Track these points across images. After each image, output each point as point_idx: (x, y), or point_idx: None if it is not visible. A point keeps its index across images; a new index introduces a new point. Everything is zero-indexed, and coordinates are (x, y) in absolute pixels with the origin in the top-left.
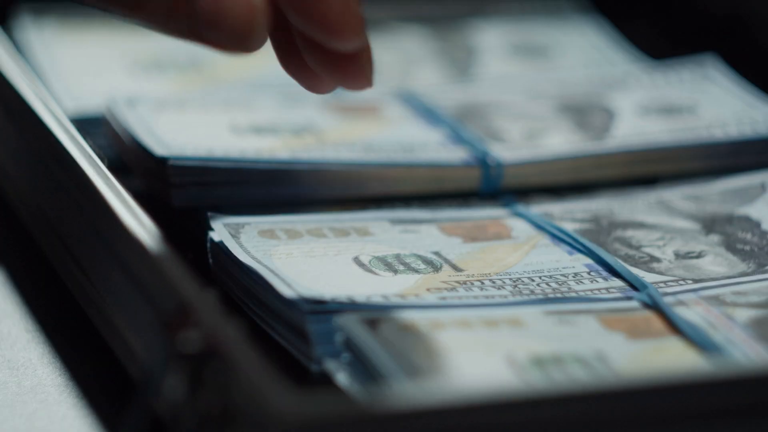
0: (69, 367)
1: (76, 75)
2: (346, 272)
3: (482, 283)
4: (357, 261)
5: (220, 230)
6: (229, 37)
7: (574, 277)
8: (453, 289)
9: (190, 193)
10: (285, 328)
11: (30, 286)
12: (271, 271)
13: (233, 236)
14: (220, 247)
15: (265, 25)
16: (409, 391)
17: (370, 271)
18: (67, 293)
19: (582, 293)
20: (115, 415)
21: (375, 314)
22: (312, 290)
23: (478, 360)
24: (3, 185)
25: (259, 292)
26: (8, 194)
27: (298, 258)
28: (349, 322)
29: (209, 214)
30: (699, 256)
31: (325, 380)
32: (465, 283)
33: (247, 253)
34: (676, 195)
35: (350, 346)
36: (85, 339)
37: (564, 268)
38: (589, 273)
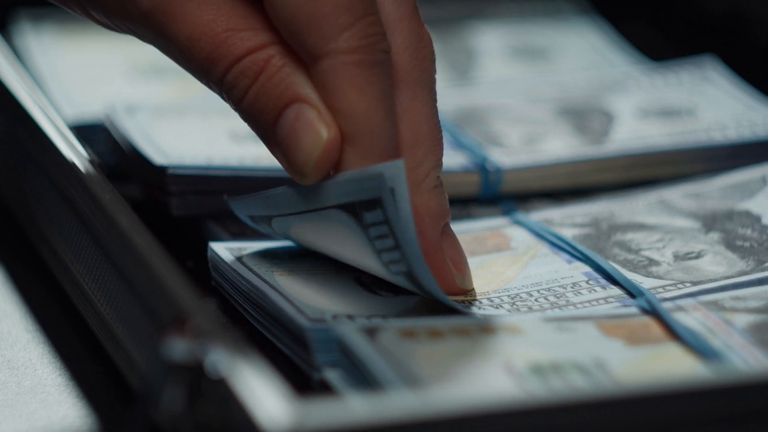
0: (69, 367)
1: (75, 81)
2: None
3: (480, 302)
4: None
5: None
6: (288, 166)
7: (572, 287)
8: None
9: (190, 201)
10: (286, 336)
11: (30, 286)
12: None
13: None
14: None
15: (325, 172)
16: (407, 401)
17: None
18: (67, 294)
19: (580, 305)
20: (115, 415)
21: (374, 323)
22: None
23: (476, 368)
24: (3, 191)
25: (259, 299)
26: (8, 199)
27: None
28: (348, 331)
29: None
30: (698, 256)
31: (326, 388)
32: (463, 302)
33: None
34: (677, 193)
35: (349, 354)
36: (85, 339)
37: (562, 278)
38: (587, 282)
